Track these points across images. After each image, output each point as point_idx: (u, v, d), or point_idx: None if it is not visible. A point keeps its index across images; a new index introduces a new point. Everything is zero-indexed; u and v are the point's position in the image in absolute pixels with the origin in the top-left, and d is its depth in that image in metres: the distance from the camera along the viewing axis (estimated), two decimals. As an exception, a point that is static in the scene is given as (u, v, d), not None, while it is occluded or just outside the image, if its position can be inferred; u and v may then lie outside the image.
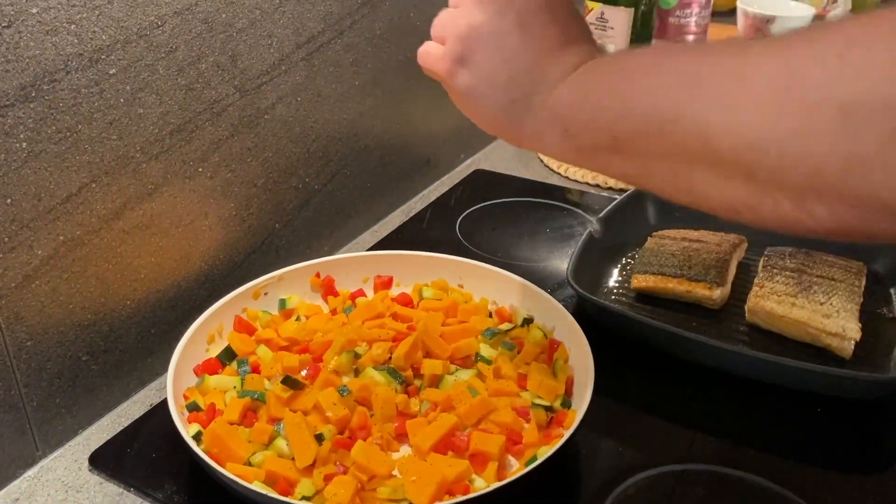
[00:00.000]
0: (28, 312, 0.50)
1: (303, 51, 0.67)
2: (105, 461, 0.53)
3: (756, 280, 0.68)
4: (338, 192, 0.77)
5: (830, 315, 0.62)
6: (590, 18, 1.11)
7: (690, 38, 1.23)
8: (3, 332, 0.49)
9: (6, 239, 0.48)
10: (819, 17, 1.39)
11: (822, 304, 0.63)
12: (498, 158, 1.01)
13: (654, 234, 0.75)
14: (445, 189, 0.91)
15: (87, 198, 0.52)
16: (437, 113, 0.91)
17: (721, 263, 0.69)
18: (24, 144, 0.47)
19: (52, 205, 0.50)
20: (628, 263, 0.75)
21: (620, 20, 1.09)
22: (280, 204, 0.70)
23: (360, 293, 0.68)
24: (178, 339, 0.56)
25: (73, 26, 0.48)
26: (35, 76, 0.47)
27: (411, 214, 0.86)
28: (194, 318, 0.58)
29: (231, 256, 0.65)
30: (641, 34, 1.11)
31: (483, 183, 0.93)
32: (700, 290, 0.67)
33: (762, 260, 0.70)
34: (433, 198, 0.89)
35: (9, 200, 0.47)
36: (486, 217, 0.85)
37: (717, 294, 0.67)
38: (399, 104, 0.83)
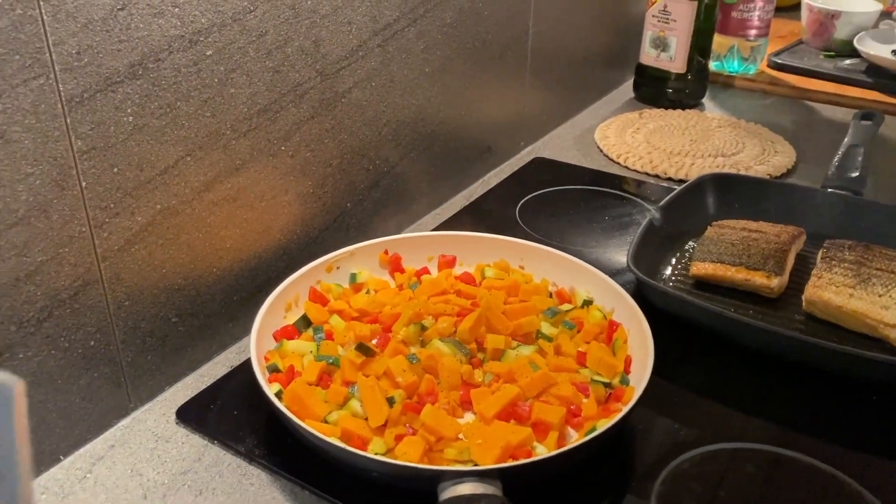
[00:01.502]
0: (127, 274, 0.54)
1: (379, 37, 0.71)
2: (191, 415, 0.57)
3: (814, 271, 0.69)
4: (404, 174, 0.80)
5: (889, 307, 0.63)
6: (652, 11, 1.12)
7: (753, 32, 1.23)
8: (105, 291, 0.53)
9: (112, 205, 0.52)
10: (885, 14, 1.37)
11: (880, 296, 0.64)
12: (557, 147, 1.03)
13: (714, 223, 0.77)
14: (505, 175, 0.94)
15: (182, 170, 0.56)
16: (498, 101, 0.94)
17: (780, 253, 0.70)
18: (131, 118, 0.51)
19: (151, 175, 0.54)
20: (686, 252, 0.77)
21: (683, 13, 1.10)
22: (352, 184, 0.73)
23: (425, 271, 0.71)
24: (256, 307, 0.59)
25: (176, 9, 0.52)
26: (142, 55, 0.51)
27: (472, 199, 0.89)
28: (273, 288, 0.61)
29: (307, 231, 0.69)
30: (704, 28, 1.11)
31: (542, 170, 0.95)
32: (758, 279, 0.68)
33: (821, 251, 0.71)
34: (493, 184, 0.92)
35: (115, 169, 0.51)
36: (545, 204, 0.87)
37: (776, 283, 0.68)
38: (464, 92, 0.86)
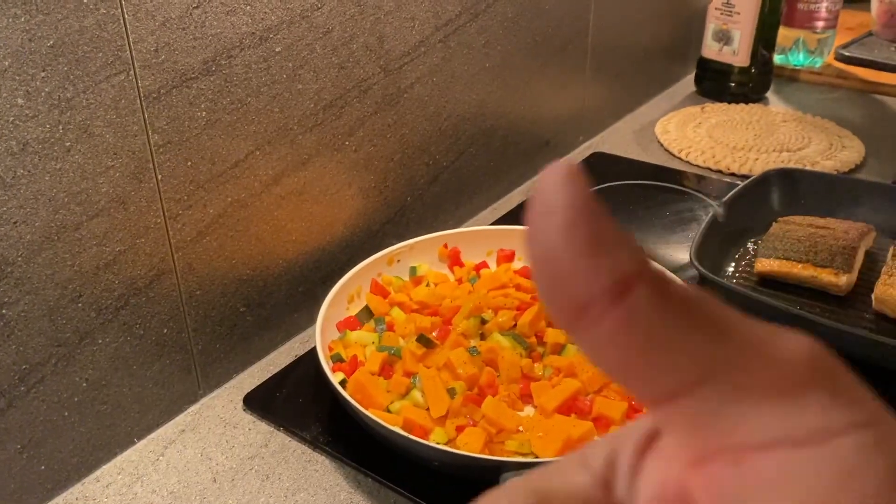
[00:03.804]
0: (199, 264, 0.56)
1: (441, 33, 0.71)
2: (257, 402, 0.59)
3: (884, 269, 0.67)
4: (463, 169, 0.81)
5: (966, 307, 0.61)
6: (715, 3, 1.10)
7: (820, 24, 1.19)
8: (178, 280, 0.55)
9: (185, 197, 0.54)
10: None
11: (956, 295, 0.62)
12: (616, 141, 1.02)
13: (780, 219, 0.75)
14: (564, 170, 0.93)
15: (251, 164, 0.57)
16: (558, 95, 0.94)
17: (848, 250, 0.69)
18: (204, 113, 0.53)
19: (223, 169, 0.56)
20: (750, 249, 0.75)
21: (748, 5, 1.07)
22: (412, 179, 0.74)
23: (484, 265, 0.71)
24: (320, 299, 0.61)
25: (248, 7, 0.54)
26: (216, 52, 0.53)
27: (531, 194, 0.88)
28: (336, 280, 0.63)
29: (369, 225, 0.70)
30: (769, 20, 1.09)
31: (602, 165, 0.94)
32: (826, 276, 0.67)
33: (892, 249, 0.69)
34: (552, 179, 0.91)
35: (189, 163, 0.53)
36: (605, 199, 0.86)
37: (844, 281, 0.67)
38: (523, 86, 0.86)
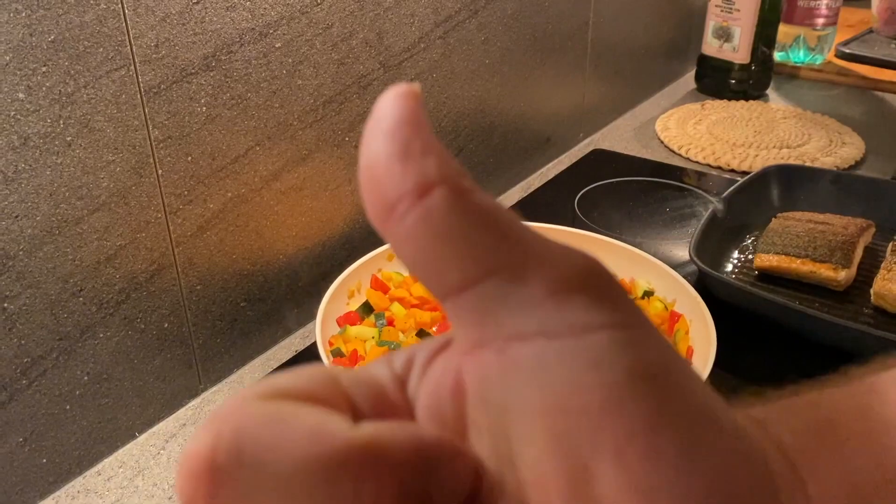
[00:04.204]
0: (199, 259, 0.56)
1: (440, 29, 0.71)
2: (257, 397, 0.59)
3: (884, 264, 0.67)
4: (463, 165, 0.81)
5: (964, 301, 0.61)
6: (715, 0, 1.10)
7: (821, 21, 1.20)
8: (179, 275, 0.55)
9: (185, 192, 0.54)
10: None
11: (955, 290, 0.62)
12: (617, 138, 1.02)
13: (779, 215, 0.75)
14: (564, 167, 0.93)
15: (251, 159, 0.58)
16: (558, 92, 0.94)
17: (847, 246, 0.69)
18: (204, 108, 0.53)
19: (223, 164, 0.56)
20: (749, 245, 0.76)
21: (748, 3, 1.08)
22: (412, 174, 0.74)
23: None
24: (320, 294, 0.61)
25: (248, 2, 0.54)
26: (215, 47, 0.53)
27: (530, 190, 0.89)
28: (336, 275, 0.63)
29: (368, 221, 0.70)
30: (769, 17, 1.09)
31: (602, 162, 0.95)
32: (825, 272, 0.67)
33: (891, 244, 0.70)
34: (552, 175, 0.92)
35: (189, 158, 0.53)
36: (605, 195, 0.87)
37: (843, 276, 0.67)
38: (523, 83, 0.86)
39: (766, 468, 0.16)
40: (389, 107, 0.16)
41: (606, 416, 0.14)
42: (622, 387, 0.14)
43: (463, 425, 0.16)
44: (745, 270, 0.72)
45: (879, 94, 1.16)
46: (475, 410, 0.16)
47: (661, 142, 1.00)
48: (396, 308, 0.64)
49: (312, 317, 0.59)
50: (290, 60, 0.58)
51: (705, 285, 0.65)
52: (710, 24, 1.12)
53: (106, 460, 0.54)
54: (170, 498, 0.51)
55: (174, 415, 0.58)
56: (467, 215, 0.15)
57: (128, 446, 0.55)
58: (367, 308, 0.64)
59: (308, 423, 0.14)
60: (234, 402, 0.15)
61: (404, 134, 0.15)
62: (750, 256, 0.74)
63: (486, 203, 0.15)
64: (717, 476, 0.14)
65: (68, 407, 0.51)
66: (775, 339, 0.63)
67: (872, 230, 0.73)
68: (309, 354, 0.61)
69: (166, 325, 0.55)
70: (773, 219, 0.75)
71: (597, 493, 0.14)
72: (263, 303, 0.63)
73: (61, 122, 0.46)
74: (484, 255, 0.15)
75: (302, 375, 0.16)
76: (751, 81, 1.13)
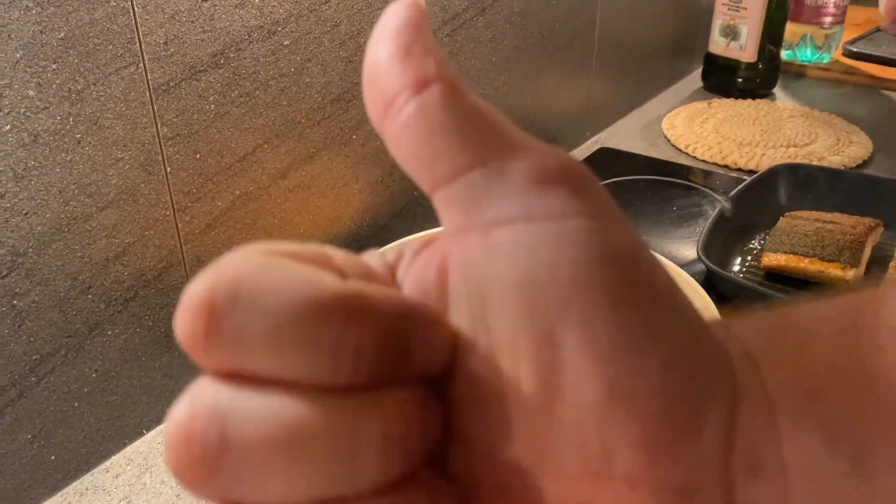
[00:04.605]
0: (207, 257, 0.56)
1: (448, 27, 0.71)
2: (265, 395, 0.59)
3: (892, 263, 0.67)
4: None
5: (974, 301, 0.61)
6: (723, -1, 1.10)
7: (828, 19, 1.19)
8: (187, 272, 0.55)
9: (194, 190, 0.54)
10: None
11: (964, 289, 0.62)
12: (623, 137, 1.02)
13: (787, 214, 0.75)
14: (571, 166, 0.93)
15: (259, 157, 0.58)
16: (564, 91, 0.94)
17: (856, 245, 0.68)
18: (213, 106, 0.53)
19: (231, 162, 0.56)
20: (756, 244, 0.75)
21: (755, 1, 1.07)
22: (419, 172, 0.74)
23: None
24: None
25: (256, 0, 0.54)
26: (224, 45, 0.53)
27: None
28: (343, 273, 0.63)
29: (375, 219, 0.71)
30: (776, 15, 1.09)
31: (608, 160, 0.94)
32: (833, 271, 0.67)
33: (900, 244, 0.69)
34: (558, 174, 0.91)
35: (198, 155, 0.53)
36: (612, 193, 0.86)
37: (851, 275, 0.66)
38: (530, 81, 0.86)
39: (725, 355, 0.17)
40: (394, 14, 0.17)
41: (575, 288, 0.15)
42: (592, 265, 0.16)
43: (445, 302, 0.17)
44: (752, 269, 0.72)
45: (887, 92, 1.16)
46: (456, 287, 0.17)
47: (668, 140, 1.00)
48: (403, 306, 0.64)
49: (320, 315, 0.59)
50: (298, 58, 0.58)
51: (713, 284, 0.65)
52: (717, 23, 1.12)
53: (114, 457, 0.54)
54: (178, 496, 0.51)
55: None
56: (460, 110, 0.16)
57: (136, 443, 0.55)
58: (374, 306, 0.64)
59: (301, 273, 0.16)
60: (234, 254, 0.16)
61: (406, 36, 0.17)
62: (758, 255, 0.74)
63: (478, 102, 0.17)
64: (677, 351, 0.16)
65: (77, 404, 0.51)
66: (783, 339, 0.63)
67: (881, 229, 0.73)
68: (316, 352, 0.61)
69: (175, 323, 0.55)
70: (781, 218, 0.75)
71: (561, 357, 0.15)
72: (271, 300, 0.63)
73: (71, 119, 0.46)
74: (473, 148, 0.16)
75: (300, 246, 0.17)
76: (758, 80, 1.13)
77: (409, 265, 0.18)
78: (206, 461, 0.15)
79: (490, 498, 0.17)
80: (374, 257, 0.19)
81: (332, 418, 0.15)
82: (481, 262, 0.16)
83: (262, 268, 0.16)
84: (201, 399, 0.15)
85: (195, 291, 0.15)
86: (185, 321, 0.15)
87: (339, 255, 0.18)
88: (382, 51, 0.17)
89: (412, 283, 0.18)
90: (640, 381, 0.15)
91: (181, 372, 0.57)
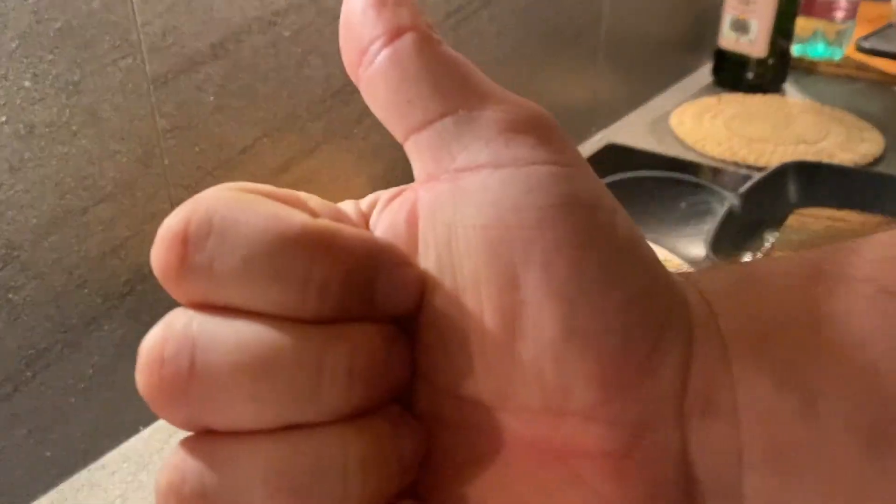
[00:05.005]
0: (206, 251, 0.56)
1: (452, 20, 0.70)
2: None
3: None
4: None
5: None
6: (733, -7, 1.08)
7: (840, 14, 1.18)
8: (185, 267, 0.55)
9: (193, 183, 0.53)
10: None
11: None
12: (631, 132, 1.01)
13: (797, 211, 0.74)
14: (577, 162, 0.92)
15: (259, 151, 0.57)
16: (570, 85, 0.93)
17: (867, 244, 0.67)
18: (212, 98, 0.53)
19: (231, 155, 0.55)
20: (766, 241, 0.74)
21: (766, -5, 1.06)
22: (422, 167, 0.73)
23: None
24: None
25: (257, -8, 0.53)
26: (223, 36, 0.52)
27: None
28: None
29: (378, 214, 0.70)
30: (787, 10, 1.07)
31: (615, 157, 0.93)
32: (843, 270, 0.66)
33: (913, 243, 0.68)
34: (565, 170, 0.90)
35: (196, 148, 0.53)
36: (618, 190, 0.85)
37: (862, 274, 0.65)
38: (535, 76, 0.85)
39: (683, 300, 0.18)
40: None
41: (538, 231, 0.16)
42: (555, 209, 0.16)
43: (414, 246, 0.18)
44: (761, 268, 0.71)
45: (899, 89, 1.14)
46: (425, 231, 0.17)
47: (676, 136, 0.99)
48: (406, 303, 0.63)
49: (320, 311, 0.58)
50: (298, 50, 0.57)
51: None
52: (727, 17, 1.10)
53: (110, 454, 0.53)
54: None
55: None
56: (433, 59, 0.17)
57: (132, 441, 0.55)
58: (375, 302, 0.63)
59: (272, 208, 0.16)
60: (210, 190, 0.17)
61: None
62: (767, 253, 0.72)
63: (450, 52, 0.18)
64: (634, 294, 0.16)
65: (73, 400, 0.50)
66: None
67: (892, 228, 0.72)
68: (317, 349, 0.61)
69: (173, 317, 0.55)
70: (791, 215, 0.74)
71: (522, 297, 0.16)
72: (271, 296, 0.62)
73: (67, 111, 0.45)
74: (444, 96, 0.17)
75: (278, 189, 0.18)
76: (768, 76, 1.11)
77: (382, 211, 0.19)
78: (176, 383, 0.16)
79: (453, 434, 0.17)
80: (348, 205, 0.19)
81: (298, 347, 0.16)
82: (450, 206, 0.17)
83: (236, 202, 0.16)
84: (174, 324, 0.16)
85: (170, 223, 0.16)
86: (159, 252, 0.16)
87: (313, 199, 0.19)
88: (357, 1, 0.17)
89: (384, 227, 0.18)
90: (597, 321, 0.16)
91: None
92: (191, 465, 0.16)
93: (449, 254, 0.17)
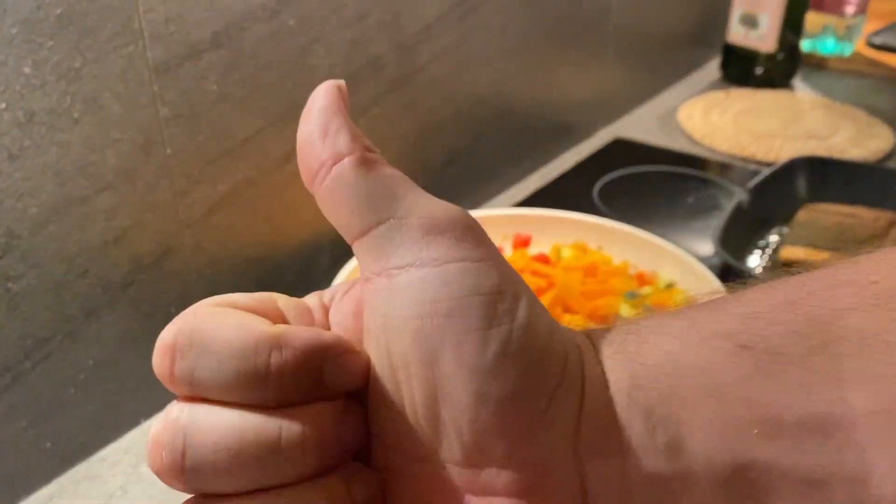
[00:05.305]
0: (208, 242, 0.55)
1: (458, 11, 0.69)
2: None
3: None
4: (480, 152, 0.79)
5: None
6: (742, -13, 1.07)
7: (850, 9, 1.16)
8: (187, 258, 0.54)
9: (196, 173, 0.52)
10: None
11: None
12: (638, 127, 1.00)
13: (806, 206, 0.73)
14: (584, 156, 0.91)
15: (262, 141, 0.56)
16: (578, 79, 0.92)
17: (876, 239, 0.66)
18: (215, 87, 0.52)
19: (233, 145, 0.54)
20: (775, 237, 0.73)
21: (776, -11, 1.05)
22: (427, 161, 0.73)
23: (500, 250, 0.69)
24: (330, 281, 0.59)
25: (260, -20, 0.52)
26: (226, 24, 0.51)
27: (549, 179, 0.87)
28: (346, 262, 0.61)
29: (382, 206, 0.69)
30: (797, 5, 1.06)
31: (623, 151, 0.92)
32: (854, 265, 0.65)
33: (924, 239, 0.67)
34: (571, 164, 0.90)
35: (199, 138, 0.52)
36: (626, 185, 0.85)
37: (873, 270, 0.64)
38: (542, 69, 0.84)
39: (576, 355, 0.21)
40: (317, 96, 0.22)
41: (450, 318, 0.20)
42: (463, 300, 0.20)
43: (360, 332, 0.22)
44: (771, 263, 0.70)
45: (910, 85, 1.13)
46: (367, 319, 0.22)
47: (685, 131, 0.98)
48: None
49: (323, 303, 0.57)
50: (302, 39, 0.56)
51: (730, 277, 0.63)
52: (737, 11, 1.09)
53: (111, 446, 0.53)
54: (175, 485, 0.50)
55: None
56: (367, 178, 0.21)
57: (133, 432, 0.54)
58: (379, 295, 0.62)
59: (238, 320, 0.21)
60: (194, 307, 0.22)
61: (324, 118, 0.22)
62: (776, 249, 0.71)
63: (382, 170, 0.22)
64: (532, 362, 0.20)
65: (73, 391, 0.50)
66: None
67: (903, 224, 0.71)
68: (319, 342, 0.60)
69: (173, 309, 0.54)
70: (801, 210, 0.73)
71: (442, 372, 0.20)
72: (273, 289, 0.61)
73: (68, 98, 0.45)
74: (377, 208, 0.21)
75: (251, 296, 0.23)
76: (777, 71, 1.10)
77: (339, 302, 0.23)
78: (174, 464, 0.20)
79: (402, 482, 0.21)
80: (313, 298, 0.24)
81: (260, 429, 0.20)
82: (385, 300, 0.21)
83: (210, 316, 0.21)
84: (170, 414, 0.21)
85: (164, 336, 0.21)
86: (157, 359, 0.21)
87: (282, 301, 0.23)
88: (306, 129, 0.22)
89: (338, 318, 0.23)
90: (500, 388, 0.20)
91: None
92: None
93: (385, 338, 0.21)
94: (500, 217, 0.71)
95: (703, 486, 0.20)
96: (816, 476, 0.19)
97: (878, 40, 1.21)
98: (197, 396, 0.21)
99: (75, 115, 0.45)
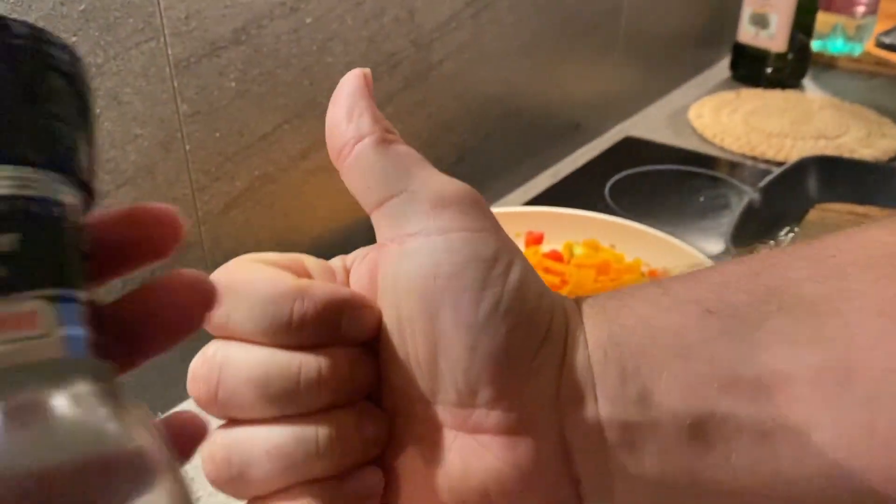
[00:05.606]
0: (225, 238, 0.55)
1: (471, 8, 0.70)
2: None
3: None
4: (491, 150, 0.79)
5: None
6: (753, -14, 1.07)
7: (860, 9, 1.16)
8: (205, 253, 0.54)
9: (213, 169, 0.53)
10: None
11: None
12: (649, 126, 1.00)
13: (817, 206, 0.73)
14: (594, 154, 0.91)
15: (279, 137, 0.57)
16: (589, 77, 0.92)
17: (889, 240, 0.66)
18: (233, 84, 0.52)
19: (251, 141, 0.55)
20: (786, 236, 0.74)
21: (787, -12, 1.05)
22: (439, 158, 0.73)
23: (513, 247, 0.70)
24: (347, 275, 0.60)
25: (279, -23, 0.53)
26: (246, 21, 0.52)
27: (560, 177, 0.87)
28: (362, 257, 0.62)
29: (395, 203, 0.69)
30: (807, 5, 1.06)
31: (633, 149, 0.93)
32: (866, 265, 0.65)
33: (936, 239, 0.67)
34: (581, 162, 0.90)
35: (217, 134, 0.52)
36: (637, 183, 0.85)
37: (885, 270, 0.65)
38: (554, 67, 0.84)
39: (561, 314, 0.24)
40: (345, 83, 0.25)
41: (449, 279, 0.23)
42: (463, 265, 0.23)
43: (375, 292, 0.25)
44: (780, 262, 0.70)
45: (920, 85, 1.13)
46: (382, 281, 0.24)
47: (695, 130, 0.98)
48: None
49: (338, 299, 0.58)
50: (320, 36, 0.57)
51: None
52: (747, 11, 1.09)
53: (128, 439, 0.53)
54: (192, 478, 0.51)
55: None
56: (384, 155, 0.24)
57: (150, 425, 0.55)
58: (393, 292, 0.63)
59: (269, 274, 0.24)
60: (233, 261, 0.25)
61: (350, 102, 0.24)
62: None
63: (399, 149, 0.24)
64: (521, 320, 0.23)
65: (92, 384, 0.50)
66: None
67: (915, 224, 0.71)
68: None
69: (191, 303, 0.55)
70: (812, 210, 0.73)
71: (441, 327, 0.23)
72: (289, 284, 0.62)
73: (89, 94, 0.45)
74: (392, 182, 0.24)
75: (282, 255, 0.26)
76: (787, 70, 1.10)
77: (359, 265, 0.26)
78: (209, 392, 0.23)
79: (406, 422, 0.25)
80: (337, 261, 0.27)
81: (283, 364, 0.23)
82: (396, 264, 0.23)
83: (246, 271, 0.25)
84: (207, 352, 0.24)
85: (208, 282, 0.22)
86: (197, 302, 0.21)
87: (309, 259, 0.26)
88: (334, 112, 0.25)
89: (357, 278, 0.26)
90: (491, 341, 0.23)
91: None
92: (221, 442, 0.24)
93: (395, 296, 0.24)
94: (512, 214, 0.71)
95: (668, 433, 0.23)
96: (767, 427, 0.22)
97: (887, 40, 1.21)
98: (231, 337, 0.24)
99: (97, 110, 0.46)
